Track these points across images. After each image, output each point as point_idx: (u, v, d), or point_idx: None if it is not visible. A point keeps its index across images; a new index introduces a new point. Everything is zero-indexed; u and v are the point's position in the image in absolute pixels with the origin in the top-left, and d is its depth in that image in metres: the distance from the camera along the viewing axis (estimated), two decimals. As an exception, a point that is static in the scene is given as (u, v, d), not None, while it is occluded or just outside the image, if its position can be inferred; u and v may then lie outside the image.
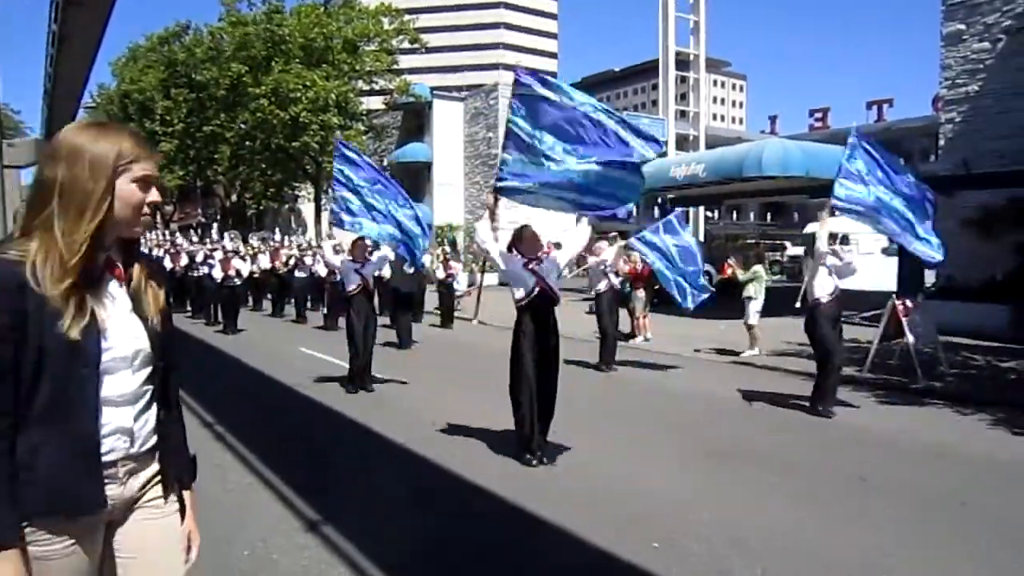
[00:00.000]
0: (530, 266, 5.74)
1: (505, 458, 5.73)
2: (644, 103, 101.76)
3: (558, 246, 6.39)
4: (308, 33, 30.16)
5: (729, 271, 12.02)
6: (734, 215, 51.33)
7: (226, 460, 5.74)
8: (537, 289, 5.69)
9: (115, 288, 1.68)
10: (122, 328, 1.64)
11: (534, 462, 5.53)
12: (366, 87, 34.39)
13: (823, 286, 7.49)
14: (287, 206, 44.89)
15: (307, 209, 40.11)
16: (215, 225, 28.57)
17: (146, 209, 1.67)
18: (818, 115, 49.76)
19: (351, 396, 8.37)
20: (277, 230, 25.60)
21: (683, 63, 23.80)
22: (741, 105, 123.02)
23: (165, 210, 52.52)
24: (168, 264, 19.37)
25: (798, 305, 8.60)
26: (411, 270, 12.65)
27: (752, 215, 51.89)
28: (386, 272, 13.63)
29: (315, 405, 7.99)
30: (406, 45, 34.54)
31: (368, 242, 9.12)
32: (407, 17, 34.55)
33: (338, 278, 10.48)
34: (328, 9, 32.58)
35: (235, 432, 6.56)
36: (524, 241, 5.88)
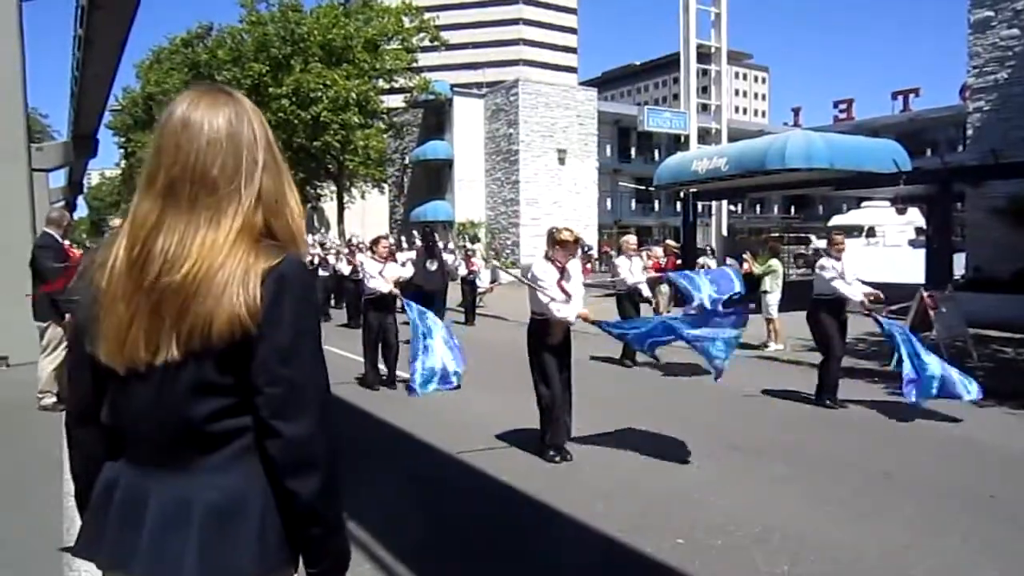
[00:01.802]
0: (561, 283, 5.63)
1: (527, 454, 5.73)
2: (665, 97, 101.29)
3: (577, 241, 6.24)
4: (327, 33, 30.32)
5: (745, 266, 12.05)
6: (758, 209, 50.87)
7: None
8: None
9: None
10: None
11: (557, 458, 5.53)
12: (386, 86, 34.49)
13: (824, 281, 7.59)
14: (310, 205, 45.18)
15: (330, 208, 40.35)
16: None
17: None
18: (842, 106, 49.19)
19: (373, 393, 8.43)
20: (301, 229, 25.83)
21: (704, 56, 23.55)
22: (764, 98, 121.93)
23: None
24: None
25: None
26: (434, 267, 12.67)
27: (776, 208, 51.38)
28: (409, 271, 13.66)
29: (336, 403, 8.04)
30: (426, 43, 34.60)
31: (390, 241, 9.18)
32: (427, 15, 34.60)
33: (360, 276, 10.52)
34: (347, 9, 32.70)
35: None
36: (566, 245, 5.67)
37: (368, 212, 40.94)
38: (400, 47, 33.23)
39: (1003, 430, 6.72)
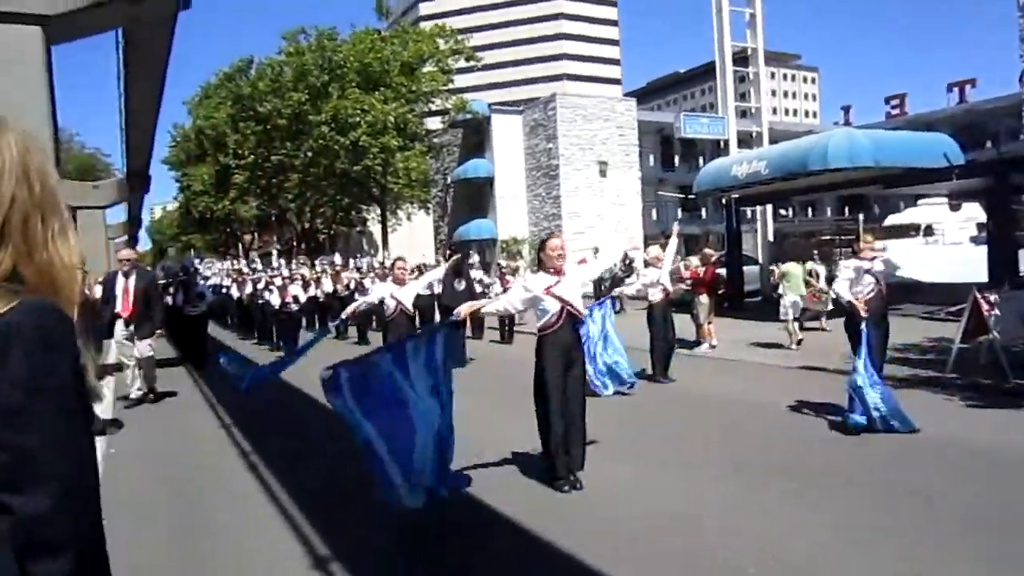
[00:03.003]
0: (551, 290, 5.34)
1: (535, 483, 5.37)
2: (712, 103, 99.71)
3: (553, 236, 5.90)
4: (363, 59, 30.70)
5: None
6: (809, 212, 49.40)
7: (250, 489, 5.62)
8: (564, 313, 5.32)
9: None
10: None
11: (565, 487, 5.15)
12: (424, 107, 34.76)
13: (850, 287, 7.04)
14: (358, 229, 45.74)
15: (377, 231, 40.76)
16: (274, 252, 29.25)
17: None
18: (895, 102, 47.49)
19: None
20: (337, 254, 26.01)
21: (744, 59, 22.97)
22: (814, 98, 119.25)
23: (244, 239, 54.52)
24: (234, 292, 20.03)
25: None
26: (462, 287, 12.45)
27: (829, 211, 49.79)
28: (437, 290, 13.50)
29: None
30: (462, 64, 34.79)
31: (408, 264, 9.01)
32: (465, 36, 34.82)
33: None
34: (383, 34, 33.12)
35: (268, 461, 6.44)
36: (546, 251, 5.43)
37: (415, 233, 41.19)
38: (436, 69, 33.47)
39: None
